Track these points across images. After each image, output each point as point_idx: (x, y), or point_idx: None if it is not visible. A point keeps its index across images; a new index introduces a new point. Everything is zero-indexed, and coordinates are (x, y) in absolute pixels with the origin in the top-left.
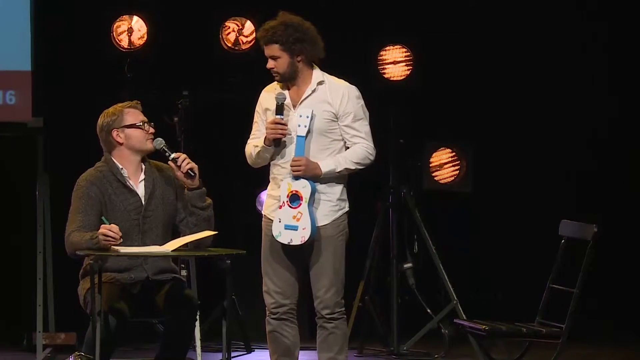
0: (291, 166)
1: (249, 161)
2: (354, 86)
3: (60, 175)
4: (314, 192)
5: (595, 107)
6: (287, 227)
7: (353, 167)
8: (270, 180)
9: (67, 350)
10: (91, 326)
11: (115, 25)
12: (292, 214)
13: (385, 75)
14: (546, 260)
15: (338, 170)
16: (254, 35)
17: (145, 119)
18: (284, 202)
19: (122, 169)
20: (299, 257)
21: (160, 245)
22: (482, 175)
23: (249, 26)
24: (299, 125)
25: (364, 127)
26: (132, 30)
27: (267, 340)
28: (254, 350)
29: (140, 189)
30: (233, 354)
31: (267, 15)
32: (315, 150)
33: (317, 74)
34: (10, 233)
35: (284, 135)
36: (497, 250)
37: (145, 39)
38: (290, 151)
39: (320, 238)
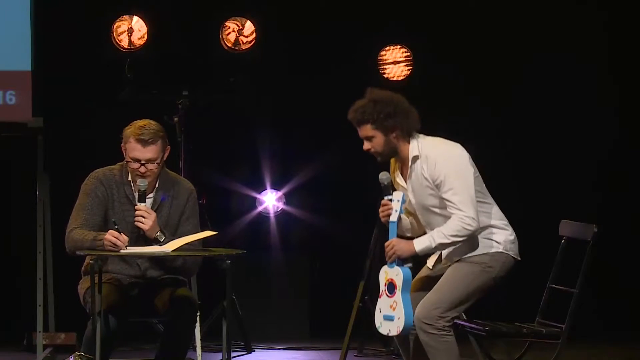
0: (386, 252)
1: None
2: (448, 147)
3: (60, 175)
4: (407, 278)
5: (595, 106)
6: (386, 318)
7: (449, 241)
8: None
9: (67, 350)
10: (91, 326)
11: (115, 26)
12: (389, 303)
13: (385, 75)
14: (546, 260)
15: (433, 246)
16: (254, 35)
17: (141, 157)
18: (382, 291)
19: (131, 181)
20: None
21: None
22: (481, 175)
23: (249, 26)
24: (394, 210)
25: (455, 195)
26: (132, 30)
27: (450, 352)
28: (254, 350)
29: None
30: (233, 354)
31: (267, 15)
32: (436, 225)
33: (414, 147)
34: (10, 233)
35: (390, 215)
36: None
37: (145, 39)
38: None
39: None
